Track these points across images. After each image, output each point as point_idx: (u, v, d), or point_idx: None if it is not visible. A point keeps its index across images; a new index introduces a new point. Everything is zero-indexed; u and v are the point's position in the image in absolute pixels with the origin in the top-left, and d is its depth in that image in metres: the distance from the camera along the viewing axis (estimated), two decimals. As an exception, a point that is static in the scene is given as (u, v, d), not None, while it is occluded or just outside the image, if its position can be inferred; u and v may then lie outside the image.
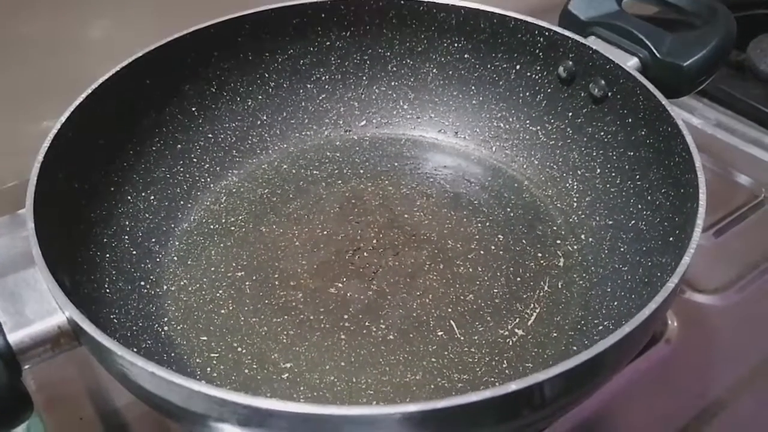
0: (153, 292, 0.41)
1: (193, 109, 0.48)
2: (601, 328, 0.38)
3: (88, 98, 0.40)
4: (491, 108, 0.51)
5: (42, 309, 0.30)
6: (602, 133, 0.45)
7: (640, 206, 0.41)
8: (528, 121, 0.50)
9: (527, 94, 0.50)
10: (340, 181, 0.48)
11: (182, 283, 0.41)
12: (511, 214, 0.46)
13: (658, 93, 0.41)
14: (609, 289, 0.40)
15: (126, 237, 0.42)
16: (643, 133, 0.42)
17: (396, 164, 0.50)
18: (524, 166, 0.49)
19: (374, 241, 0.44)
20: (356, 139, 0.52)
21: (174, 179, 0.46)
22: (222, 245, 0.44)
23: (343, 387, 0.36)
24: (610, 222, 0.43)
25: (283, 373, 0.37)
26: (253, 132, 0.50)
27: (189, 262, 0.43)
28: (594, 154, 0.46)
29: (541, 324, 0.39)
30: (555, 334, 0.39)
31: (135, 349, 0.35)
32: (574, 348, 0.38)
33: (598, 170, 0.45)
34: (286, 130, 0.51)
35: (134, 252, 0.42)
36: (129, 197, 0.43)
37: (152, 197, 0.45)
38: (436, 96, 0.52)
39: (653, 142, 0.41)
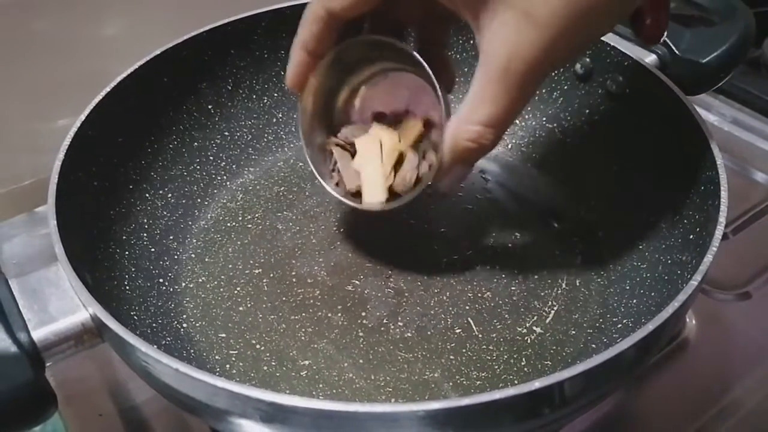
0: (172, 289, 0.41)
1: (210, 107, 0.48)
2: (620, 326, 0.38)
3: (107, 96, 0.41)
4: (507, 105, 0.51)
5: (65, 306, 0.31)
6: (620, 131, 0.45)
7: (659, 204, 0.41)
8: (544, 119, 0.49)
9: (543, 90, 0.49)
10: (355, 179, 0.48)
11: (200, 280, 0.42)
12: (528, 212, 0.46)
13: (678, 90, 0.41)
14: (628, 287, 0.40)
15: (144, 234, 0.42)
16: (662, 130, 0.42)
17: (411, 162, 0.50)
18: (541, 164, 0.49)
19: (391, 239, 0.44)
20: None
21: (191, 177, 0.46)
22: (239, 243, 0.44)
23: (362, 384, 0.36)
24: (628, 219, 0.42)
25: (302, 371, 0.37)
26: (269, 129, 0.50)
27: (207, 260, 0.43)
28: (611, 151, 0.45)
29: (560, 322, 0.39)
30: (573, 332, 0.39)
31: (155, 346, 0.36)
32: (593, 346, 0.38)
33: (616, 167, 0.45)
34: None
35: (153, 249, 0.42)
36: (147, 195, 0.44)
37: (170, 195, 0.45)
38: (452, 92, 0.52)
39: (673, 140, 0.41)
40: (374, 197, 0.38)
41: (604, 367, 0.26)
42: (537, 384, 0.25)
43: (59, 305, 0.31)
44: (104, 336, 0.30)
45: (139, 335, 0.35)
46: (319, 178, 0.39)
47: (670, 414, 0.40)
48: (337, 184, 0.40)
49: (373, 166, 0.38)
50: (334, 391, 0.36)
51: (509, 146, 0.51)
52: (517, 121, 0.50)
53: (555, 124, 0.49)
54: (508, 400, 0.25)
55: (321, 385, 0.36)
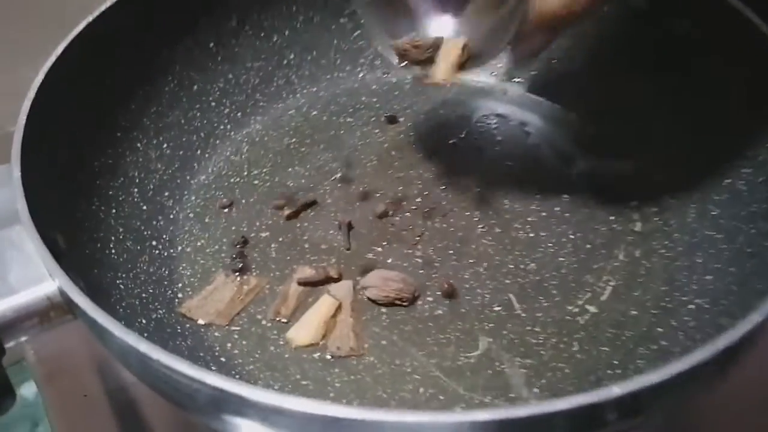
0: (166, 254, 0.35)
1: (211, 45, 0.42)
2: (691, 306, 0.32)
3: (87, 29, 0.35)
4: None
5: (28, 275, 0.26)
6: (691, 76, 0.38)
7: (737, 162, 0.35)
8: (599, 61, 0.42)
9: (598, 30, 0.42)
10: (377, 131, 0.42)
11: (199, 243, 0.36)
12: (577, 170, 0.40)
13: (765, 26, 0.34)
14: (699, 261, 0.34)
15: (135, 190, 0.37)
16: (742, 75, 0.35)
17: (442, 112, 0.44)
18: (592, 115, 0.42)
19: (418, 200, 0.38)
20: (396, 82, 0.45)
21: (190, 125, 0.41)
22: (244, 201, 0.38)
23: (385, 370, 0.31)
24: (699, 179, 0.36)
25: (315, 352, 0.31)
26: (278, 73, 0.44)
27: (207, 220, 0.37)
28: (680, 99, 0.39)
29: (617, 300, 0.33)
30: (634, 313, 0.33)
31: (144, 321, 0.31)
32: (660, 330, 0.32)
33: (685, 117, 0.38)
34: (316, 71, 0.45)
35: (144, 207, 0.37)
36: (139, 144, 0.38)
37: (165, 145, 0.39)
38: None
39: (756, 86, 0.34)
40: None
41: (705, 366, 0.20)
42: (618, 390, 0.19)
43: (21, 274, 0.26)
44: (75, 312, 0.25)
45: (126, 307, 0.31)
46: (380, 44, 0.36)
47: (739, 417, 0.35)
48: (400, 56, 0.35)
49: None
50: (352, 377, 0.31)
51: (554, 93, 0.44)
52: (568, 64, 0.44)
53: (611, 69, 0.42)
54: (577, 410, 0.19)
55: (337, 370, 0.31)
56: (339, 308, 0.32)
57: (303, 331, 0.32)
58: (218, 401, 0.21)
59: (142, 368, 0.23)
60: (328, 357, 0.31)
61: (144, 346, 0.21)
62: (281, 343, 0.32)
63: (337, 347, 0.31)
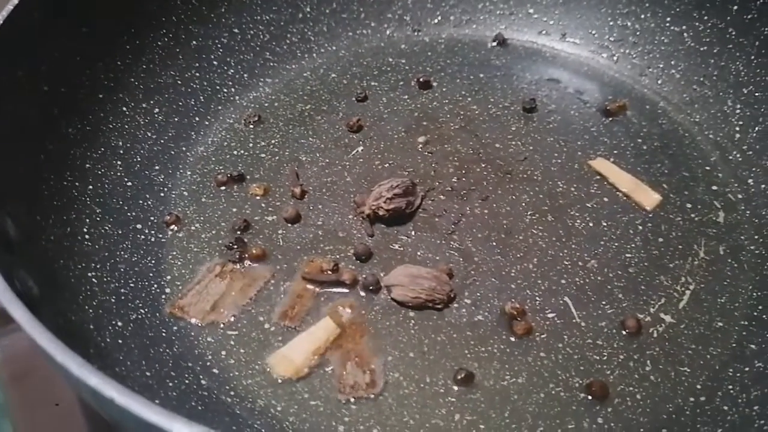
0: (153, 240, 0.30)
1: None
2: (796, 319, 0.26)
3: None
4: (614, 0, 0.37)
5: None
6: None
7: None
8: (669, 18, 0.37)
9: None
10: (406, 96, 0.37)
11: (193, 227, 0.31)
12: (644, 148, 0.34)
13: None
14: (802, 261, 0.27)
15: (119, 162, 0.32)
16: None
17: (481, 75, 0.38)
18: (660, 81, 0.37)
19: (454, 180, 0.32)
20: (427, 41, 0.40)
21: (187, 87, 0.36)
22: (249, 177, 0.32)
23: (412, 390, 0.25)
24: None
25: (327, 365, 0.26)
26: (292, 28, 0.39)
27: (203, 199, 0.32)
28: (771, 64, 0.32)
29: (698, 307, 0.27)
30: (720, 324, 0.27)
31: (119, 323, 0.26)
32: (752, 346, 0.26)
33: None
34: (335, 26, 0.40)
35: (129, 183, 0.32)
36: (125, 108, 0.33)
37: (156, 110, 0.34)
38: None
39: None
40: None
41: None
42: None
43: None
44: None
45: (97, 306, 0.26)
46: None
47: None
48: None
49: None
50: (372, 398, 0.25)
51: (615, 57, 0.38)
52: (628, 23, 0.38)
53: (684, 26, 0.37)
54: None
55: (358, 400, 0.25)
56: (343, 334, 0.26)
57: (289, 357, 0.26)
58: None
59: (98, 404, 0.18)
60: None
61: (95, 380, 0.16)
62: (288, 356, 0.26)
63: (350, 387, 0.25)
